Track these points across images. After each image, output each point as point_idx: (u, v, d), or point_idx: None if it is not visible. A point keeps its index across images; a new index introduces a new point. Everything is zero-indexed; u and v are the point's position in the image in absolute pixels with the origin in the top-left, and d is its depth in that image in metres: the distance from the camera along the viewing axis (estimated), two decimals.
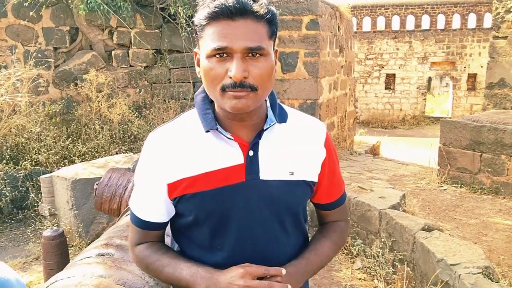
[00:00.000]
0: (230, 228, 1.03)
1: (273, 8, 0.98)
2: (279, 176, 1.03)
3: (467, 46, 15.04)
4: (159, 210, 1.07)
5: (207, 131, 1.01)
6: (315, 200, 1.20)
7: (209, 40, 0.94)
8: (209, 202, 1.01)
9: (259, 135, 1.03)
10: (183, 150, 1.02)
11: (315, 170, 1.10)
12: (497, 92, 6.20)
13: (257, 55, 0.93)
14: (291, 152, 1.06)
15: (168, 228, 1.17)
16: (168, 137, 1.05)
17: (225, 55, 0.93)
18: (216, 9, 0.91)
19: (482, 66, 14.01)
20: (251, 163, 1.01)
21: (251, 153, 1.02)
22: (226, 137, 1.01)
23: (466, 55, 15.10)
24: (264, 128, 1.03)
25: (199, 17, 0.96)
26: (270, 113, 1.06)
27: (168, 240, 1.22)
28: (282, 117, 1.07)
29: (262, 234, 1.05)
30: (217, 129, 1.01)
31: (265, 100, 1.07)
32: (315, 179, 1.11)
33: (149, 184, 1.06)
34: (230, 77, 0.92)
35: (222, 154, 1.01)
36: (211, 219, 1.03)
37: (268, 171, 1.02)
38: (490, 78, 6.28)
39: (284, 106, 1.12)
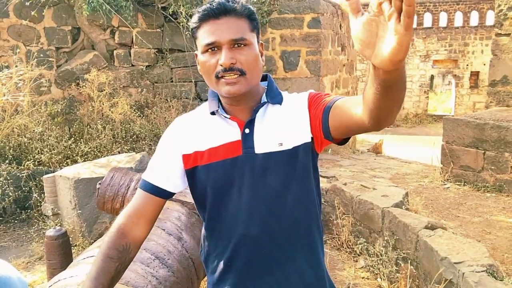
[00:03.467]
0: (232, 198, 1.18)
1: (250, 6, 1.17)
2: (270, 148, 1.17)
3: (470, 44, 14.98)
4: (168, 176, 1.22)
5: (212, 113, 1.21)
6: (331, 132, 1.12)
7: (201, 38, 1.14)
8: (213, 172, 1.18)
9: (253, 115, 1.19)
10: (195, 129, 1.23)
11: (305, 130, 1.18)
12: (500, 89, 6.17)
13: (242, 45, 1.12)
14: (280, 126, 1.19)
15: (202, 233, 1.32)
16: (186, 120, 1.28)
17: (215, 48, 1.12)
18: (204, 12, 1.13)
19: (484, 64, 13.95)
20: (246, 139, 1.18)
21: (246, 130, 1.18)
22: (224, 116, 1.20)
23: (468, 52, 15.03)
24: (255, 107, 1.19)
25: (193, 21, 1.17)
26: (264, 96, 1.22)
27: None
28: (275, 99, 1.22)
29: (260, 204, 1.17)
30: (217, 111, 1.20)
31: (265, 87, 1.24)
32: (308, 139, 1.18)
33: (165, 154, 1.24)
34: (221, 65, 1.11)
35: (224, 132, 1.20)
36: (215, 189, 1.19)
37: (262, 145, 1.17)
38: (493, 75, 6.25)
39: (285, 93, 1.26)
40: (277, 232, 1.19)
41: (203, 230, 1.32)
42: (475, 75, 15.11)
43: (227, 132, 1.20)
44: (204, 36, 1.13)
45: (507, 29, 6.03)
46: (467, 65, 15.08)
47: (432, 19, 15.30)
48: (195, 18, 1.15)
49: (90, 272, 1.10)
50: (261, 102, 1.21)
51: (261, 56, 1.20)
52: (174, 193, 1.25)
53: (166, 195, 1.24)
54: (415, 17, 14.92)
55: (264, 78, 1.27)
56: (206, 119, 1.23)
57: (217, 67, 1.12)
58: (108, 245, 1.14)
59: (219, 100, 1.24)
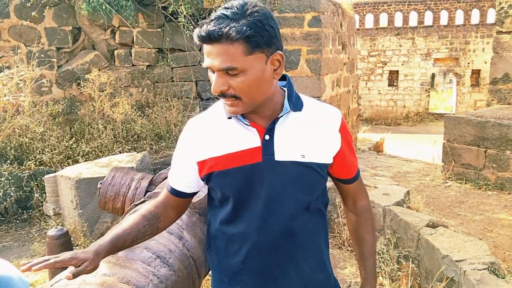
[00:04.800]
0: (250, 203, 1.19)
1: (248, 28, 1.05)
2: (291, 158, 1.17)
3: (471, 42, 14.94)
4: (186, 182, 1.28)
5: (229, 118, 1.18)
6: (335, 175, 1.33)
7: (204, 56, 1.13)
8: (231, 178, 1.18)
9: (274, 122, 1.18)
10: (210, 134, 1.21)
11: (329, 153, 1.23)
12: (501, 87, 6.15)
13: (233, 73, 1.08)
14: (303, 136, 1.19)
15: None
16: (199, 123, 1.26)
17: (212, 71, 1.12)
18: (198, 37, 1.09)
19: (486, 62, 13.92)
20: (267, 146, 1.17)
21: (267, 137, 1.17)
22: (244, 123, 1.17)
23: (469, 51, 14.99)
24: (279, 116, 1.18)
25: (195, 39, 1.15)
26: (286, 102, 1.20)
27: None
28: (297, 106, 1.21)
29: (278, 210, 1.19)
30: (236, 116, 1.17)
31: (284, 90, 1.23)
32: (329, 161, 1.24)
33: (181, 161, 1.28)
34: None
35: (242, 138, 1.18)
36: (234, 194, 1.20)
37: (282, 153, 1.17)
38: (494, 73, 6.23)
39: (302, 96, 1.26)
40: (291, 238, 1.21)
41: (211, 229, 1.34)
42: (476, 73, 15.07)
43: (245, 138, 1.18)
44: (205, 56, 1.12)
45: (508, 27, 6.01)
46: (468, 63, 15.04)
47: (433, 17, 15.26)
48: (195, 37, 1.13)
49: (119, 224, 1.23)
50: (283, 109, 1.19)
51: (278, 68, 1.13)
52: (197, 192, 1.32)
53: (187, 195, 1.32)
54: (416, 15, 14.82)
55: (283, 77, 1.25)
56: (222, 123, 1.20)
57: None
58: (140, 210, 1.30)
59: None
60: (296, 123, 1.20)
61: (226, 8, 1.07)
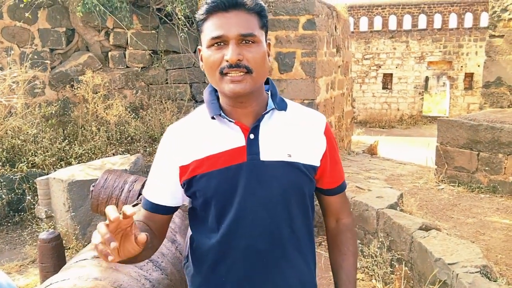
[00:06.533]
0: (232, 206, 1.12)
1: (261, 2, 1.10)
2: (277, 157, 1.12)
3: (464, 46, 15.06)
4: (168, 193, 1.18)
5: (212, 118, 1.13)
6: (319, 185, 1.25)
7: (208, 31, 1.07)
8: (215, 181, 1.11)
9: (258, 120, 1.14)
10: (192, 136, 1.15)
11: (315, 155, 1.18)
12: (494, 91, 6.20)
13: (250, 42, 1.06)
14: (289, 136, 1.15)
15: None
16: (180, 128, 1.19)
17: (222, 43, 1.05)
18: (213, 3, 1.05)
19: (479, 65, 14.03)
20: (252, 145, 1.12)
21: (251, 136, 1.12)
22: (228, 120, 1.12)
23: (463, 54, 15.12)
24: (263, 113, 1.14)
25: (200, 13, 1.10)
26: (270, 101, 1.17)
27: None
28: (281, 105, 1.17)
29: (264, 213, 1.12)
30: (220, 115, 1.12)
31: (267, 92, 1.19)
32: (316, 164, 1.18)
33: (162, 169, 1.18)
34: (227, 61, 1.04)
35: (226, 137, 1.13)
36: (218, 198, 1.12)
37: (268, 152, 1.12)
38: (487, 77, 6.28)
39: (286, 99, 1.23)
40: (278, 245, 1.15)
41: (191, 242, 1.25)
42: (469, 76, 15.19)
43: (229, 137, 1.13)
44: (211, 29, 1.06)
45: (501, 31, 6.07)
46: (462, 66, 15.16)
47: (427, 21, 15.36)
48: (202, 10, 1.08)
49: None
50: (267, 107, 1.15)
51: (268, 56, 1.14)
52: (178, 207, 1.21)
53: (168, 210, 1.19)
54: (410, 18, 14.88)
55: (266, 81, 1.22)
56: (204, 125, 1.16)
57: (222, 62, 1.05)
58: None
59: (219, 103, 1.16)
60: (281, 122, 1.16)
61: None
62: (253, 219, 1.12)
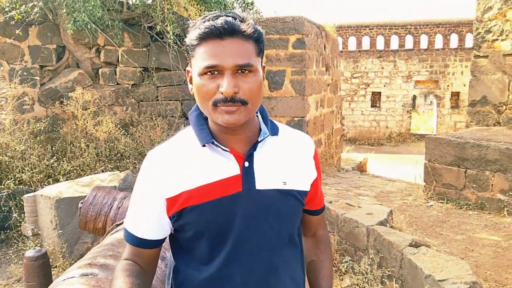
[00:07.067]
0: (228, 238, 1.05)
1: (259, 28, 1.03)
2: (273, 186, 1.07)
3: (450, 65, 15.42)
4: (154, 226, 1.08)
5: (203, 145, 1.05)
6: (307, 207, 1.23)
7: (200, 59, 0.99)
8: (208, 213, 1.03)
9: (254, 147, 1.07)
10: (180, 165, 1.06)
11: (306, 180, 1.16)
12: (480, 109, 6.34)
13: (246, 71, 0.99)
14: (283, 163, 1.11)
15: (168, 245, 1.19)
16: (165, 154, 1.08)
17: (216, 72, 0.98)
18: (206, 30, 0.97)
19: (464, 85, 14.34)
20: (247, 174, 1.05)
21: (246, 164, 1.06)
22: (222, 149, 1.05)
23: (449, 73, 15.46)
24: (259, 140, 1.08)
25: (191, 37, 1.01)
26: (263, 126, 1.11)
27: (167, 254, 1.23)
28: (274, 130, 1.13)
29: (261, 243, 1.07)
30: (212, 143, 1.05)
31: (257, 115, 1.13)
32: (307, 188, 1.15)
33: (147, 200, 1.07)
34: (222, 93, 0.97)
35: (219, 166, 1.05)
36: (211, 230, 1.05)
37: (263, 181, 1.06)
38: (472, 95, 6.43)
39: (274, 121, 1.18)
40: (274, 275, 1.10)
41: (176, 275, 1.14)
42: (455, 95, 15.50)
43: (223, 166, 1.05)
44: (204, 57, 0.97)
45: (485, 51, 6.23)
46: (448, 85, 15.48)
47: (413, 41, 15.73)
48: (194, 35, 0.99)
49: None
50: (262, 133, 1.09)
51: (263, 80, 1.08)
52: (165, 239, 1.11)
53: (156, 244, 1.10)
54: (397, 39, 15.18)
55: None
56: (193, 152, 1.06)
57: (217, 94, 0.98)
58: (117, 273, 1.05)
59: (209, 128, 1.09)
60: (274, 148, 1.11)
61: (221, 11, 1.01)
62: (251, 251, 1.06)
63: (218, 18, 0.98)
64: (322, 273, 1.26)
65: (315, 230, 1.31)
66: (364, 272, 3.27)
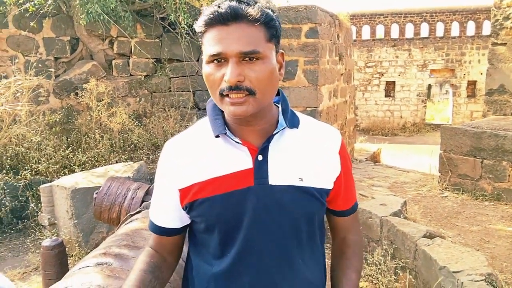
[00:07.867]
0: (239, 233, 1.02)
1: (269, 11, 0.97)
2: (288, 182, 1.02)
3: (466, 54, 15.09)
4: (172, 215, 1.10)
5: (217, 136, 1.02)
6: (331, 207, 1.17)
7: (207, 46, 0.96)
8: (219, 207, 1.02)
9: (268, 140, 1.03)
10: (194, 156, 1.05)
11: (328, 177, 1.09)
12: (497, 98, 6.20)
13: (254, 59, 0.94)
14: (301, 158, 1.05)
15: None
16: (180, 145, 1.08)
17: (222, 60, 0.94)
18: (211, 15, 0.93)
19: (481, 73, 14.04)
20: (260, 168, 1.01)
21: (260, 157, 1.02)
22: (234, 141, 1.02)
23: (465, 62, 15.14)
24: (274, 132, 1.03)
25: (198, 25, 0.98)
26: (281, 118, 1.06)
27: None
28: (293, 122, 1.07)
29: (271, 242, 1.03)
30: (225, 134, 1.02)
31: (277, 106, 1.08)
32: (329, 187, 1.09)
33: (163, 191, 1.10)
34: (226, 81, 0.93)
35: (231, 158, 1.02)
36: (221, 224, 1.03)
37: (277, 176, 1.02)
38: (489, 84, 6.29)
39: (297, 113, 1.12)
40: (289, 275, 1.05)
41: (189, 267, 1.16)
42: (472, 84, 15.19)
43: (235, 159, 1.02)
44: (210, 44, 0.94)
45: (504, 39, 6.08)
46: (464, 74, 15.17)
47: (429, 29, 15.42)
48: (200, 21, 0.96)
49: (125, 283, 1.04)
50: (278, 125, 1.04)
51: (281, 68, 1.02)
52: (187, 226, 1.13)
53: (178, 231, 1.12)
54: (412, 27, 14.94)
55: (277, 92, 1.09)
56: (207, 143, 1.04)
57: (222, 83, 0.94)
58: (137, 266, 1.09)
59: (224, 119, 1.05)
60: (293, 142, 1.05)
61: None
62: (261, 250, 1.03)
63: (223, 2, 0.93)
64: (343, 282, 1.12)
65: (344, 234, 1.21)
66: (377, 263, 3.26)
